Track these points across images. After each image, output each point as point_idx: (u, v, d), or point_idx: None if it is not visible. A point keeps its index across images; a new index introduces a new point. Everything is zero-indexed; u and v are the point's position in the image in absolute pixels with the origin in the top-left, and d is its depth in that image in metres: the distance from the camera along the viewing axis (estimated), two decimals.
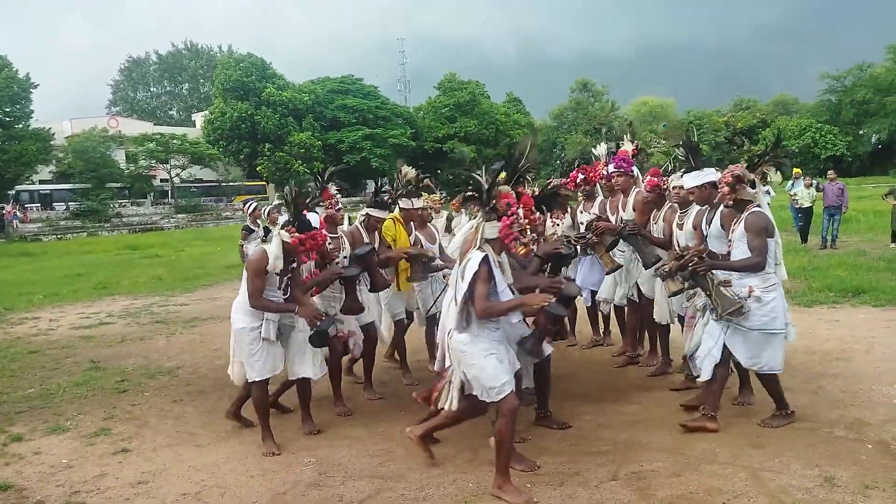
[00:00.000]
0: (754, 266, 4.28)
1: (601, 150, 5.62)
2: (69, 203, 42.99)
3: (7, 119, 37.64)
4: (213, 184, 53.99)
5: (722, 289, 4.29)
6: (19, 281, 15.13)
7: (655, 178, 5.47)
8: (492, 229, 3.67)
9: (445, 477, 3.94)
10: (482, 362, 3.64)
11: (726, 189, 4.36)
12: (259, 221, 9.54)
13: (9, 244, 30.81)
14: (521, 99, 67.53)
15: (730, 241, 4.48)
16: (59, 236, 35.58)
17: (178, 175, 49.81)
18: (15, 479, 4.15)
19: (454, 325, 3.70)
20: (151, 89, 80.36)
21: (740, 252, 4.36)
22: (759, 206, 4.38)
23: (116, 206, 44.24)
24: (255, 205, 9.92)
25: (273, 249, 4.22)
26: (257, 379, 4.40)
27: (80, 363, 7.03)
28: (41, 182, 46.30)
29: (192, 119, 67.86)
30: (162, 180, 51.25)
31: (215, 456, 4.41)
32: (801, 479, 3.69)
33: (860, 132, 53.62)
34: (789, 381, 5.34)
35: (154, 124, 57.71)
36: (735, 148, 55.95)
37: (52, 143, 41.19)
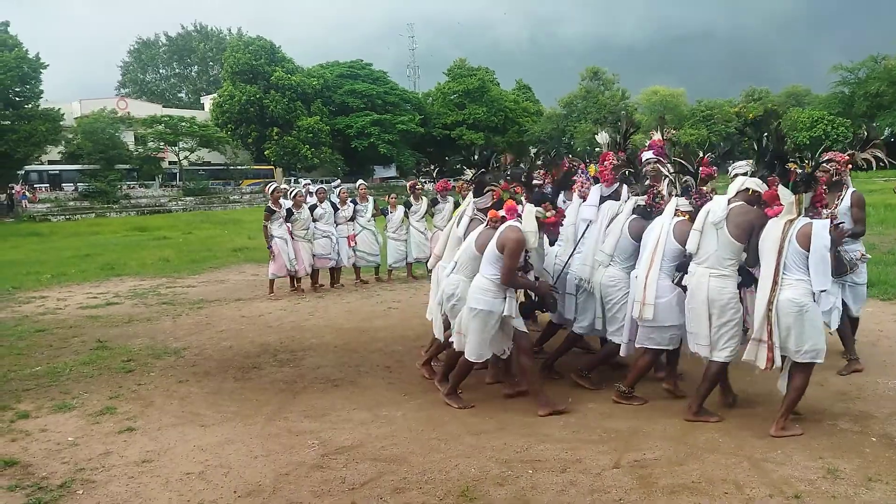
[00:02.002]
0: (861, 233, 5.33)
1: (602, 138, 5.66)
2: (78, 184, 43.11)
3: (17, 99, 37.64)
4: (221, 167, 54.00)
5: (843, 254, 4.94)
6: (28, 260, 15.22)
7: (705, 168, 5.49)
8: (807, 200, 4.15)
9: (447, 462, 3.96)
10: (821, 325, 4.13)
11: (840, 167, 5.23)
12: (281, 202, 9.77)
13: (18, 224, 30.98)
14: (531, 86, 67.29)
15: (833, 214, 4.93)
16: (67, 217, 35.70)
17: (186, 158, 49.85)
18: (21, 455, 4.19)
19: (808, 287, 4.02)
20: (160, 71, 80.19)
21: (846, 224, 5.01)
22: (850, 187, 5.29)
23: (125, 187, 44.34)
24: (273, 186, 10.24)
25: (531, 227, 4.48)
26: (483, 358, 4.69)
27: (87, 342, 7.08)
28: (50, 162, 46.46)
29: (201, 102, 67.81)
30: (170, 163, 51.33)
31: (220, 436, 4.44)
32: (803, 471, 3.68)
33: (873, 125, 53.07)
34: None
35: (163, 106, 57.70)
36: (746, 139, 55.48)
37: (61, 123, 41.17)
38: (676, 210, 4.69)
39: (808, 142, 46.42)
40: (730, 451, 3.98)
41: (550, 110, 64.01)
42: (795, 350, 4.05)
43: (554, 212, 4.63)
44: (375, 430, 4.49)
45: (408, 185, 11.22)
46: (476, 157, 5.54)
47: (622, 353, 5.02)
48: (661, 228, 4.67)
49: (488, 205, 5.04)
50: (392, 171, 60.04)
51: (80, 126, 44.37)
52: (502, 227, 4.60)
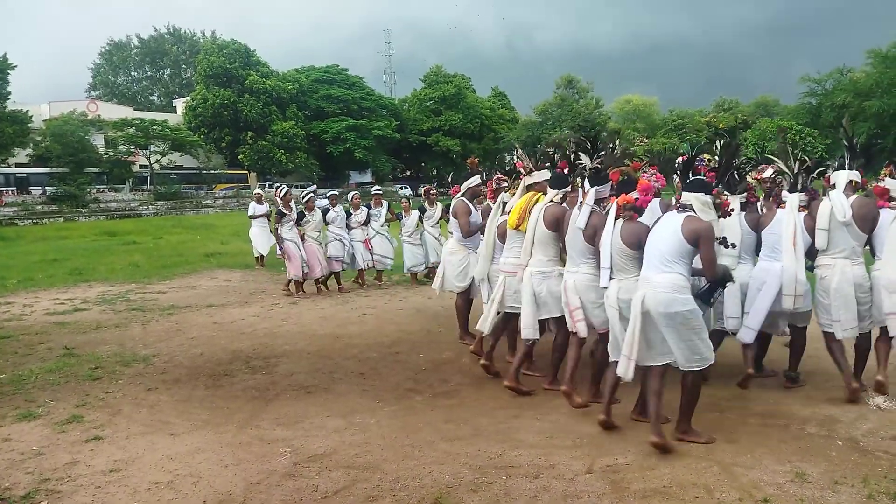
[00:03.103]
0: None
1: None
2: (46, 187, 42.14)
3: None
4: (194, 171, 53.34)
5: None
6: None
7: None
8: None
9: (421, 469, 3.94)
10: None
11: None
12: (291, 205, 10.06)
13: None
14: (509, 91, 67.90)
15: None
16: (35, 221, 34.94)
17: (157, 161, 49.15)
18: None
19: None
20: (132, 74, 78.99)
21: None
22: None
23: (94, 191, 43.49)
24: (286, 189, 10.49)
25: (712, 216, 4.28)
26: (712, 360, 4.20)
27: (54, 349, 6.92)
28: (18, 165, 45.39)
29: (174, 105, 66.96)
30: (141, 166, 50.52)
31: (189, 445, 4.37)
32: (772, 475, 3.74)
33: (839, 135, 54.27)
34: (763, 378, 5.44)
35: (134, 109, 56.83)
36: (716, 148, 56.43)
37: (29, 125, 40.37)
38: (800, 206, 5.06)
39: (776, 151, 47.24)
40: (700, 455, 4.03)
41: (526, 118, 64.39)
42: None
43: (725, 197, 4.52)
44: (349, 438, 4.45)
45: (423, 190, 11.42)
46: (589, 143, 5.09)
47: (748, 339, 5.09)
48: (793, 223, 4.96)
49: (608, 193, 4.73)
50: (368, 177, 59.94)
51: (49, 128, 43.47)
52: (681, 219, 4.16)
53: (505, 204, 5.78)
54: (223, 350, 6.87)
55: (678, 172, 4.66)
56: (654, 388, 4.20)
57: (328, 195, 11.15)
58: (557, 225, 5.01)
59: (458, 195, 6.83)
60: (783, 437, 4.27)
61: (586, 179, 4.84)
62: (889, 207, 4.96)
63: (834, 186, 5.04)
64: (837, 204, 4.85)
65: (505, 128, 62.07)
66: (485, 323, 5.60)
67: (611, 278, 4.46)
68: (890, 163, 5.18)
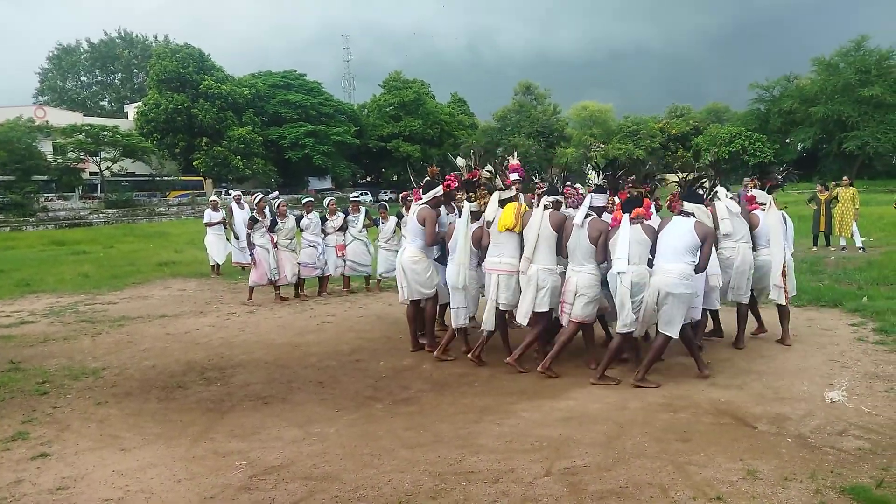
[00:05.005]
0: None
1: (460, 161, 6.55)
2: None
3: None
4: (147, 178, 51.97)
5: None
6: None
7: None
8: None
9: (381, 477, 3.91)
10: None
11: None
12: (265, 211, 10.28)
13: None
14: (468, 98, 68.32)
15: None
16: None
17: (108, 168, 47.75)
18: None
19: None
20: (82, 79, 76.71)
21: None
22: None
23: (42, 199, 42.02)
24: (260, 196, 10.73)
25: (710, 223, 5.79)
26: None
27: None
28: None
29: (125, 110, 65.27)
30: (91, 173, 49.03)
31: (141, 460, 4.25)
32: (725, 473, 3.82)
33: (787, 140, 56.13)
34: (715, 377, 5.57)
35: (84, 115, 55.20)
36: (669, 153, 57.86)
37: None
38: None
39: (727, 156, 48.68)
40: (655, 455, 4.10)
41: (485, 124, 64.83)
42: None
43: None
44: (307, 448, 4.39)
45: (400, 196, 11.35)
46: (604, 167, 6.40)
47: (699, 316, 6.19)
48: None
49: (604, 203, 5.80)
50: (327, 183, 59.42)
51: None
52: (691, 222, 5.39)
53: (472, 214, 6.23)
54: (176, 361, 6.71)
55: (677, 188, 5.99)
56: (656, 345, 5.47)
57: (304, 202, 11.23)
58: (560, 226, 5.78)
59: (421, 202, 6.77)
60: (735, 436, 4.37)
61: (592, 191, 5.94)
62: (759, 210, 6.56)
63: (717, 194, 6.47)
64: (731, 203, 6.45)
65: (464, 133, 62.36)
66: (489, 323, 6.09)
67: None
68: (752, 177, 6.91)
